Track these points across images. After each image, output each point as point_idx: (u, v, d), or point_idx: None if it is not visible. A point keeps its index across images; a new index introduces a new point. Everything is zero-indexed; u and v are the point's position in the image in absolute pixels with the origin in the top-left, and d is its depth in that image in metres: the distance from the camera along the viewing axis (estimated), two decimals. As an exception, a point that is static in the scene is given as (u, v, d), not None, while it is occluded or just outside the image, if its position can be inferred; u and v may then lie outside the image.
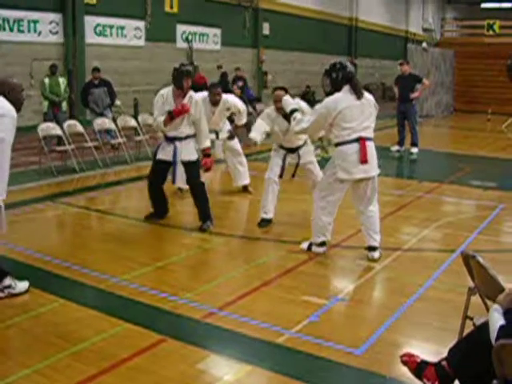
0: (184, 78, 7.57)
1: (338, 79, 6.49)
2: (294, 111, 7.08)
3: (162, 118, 7.54)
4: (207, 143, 7.92)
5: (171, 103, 7.57)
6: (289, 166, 8.06)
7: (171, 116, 7.49)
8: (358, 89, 6.49)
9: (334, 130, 6.45)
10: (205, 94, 9.49)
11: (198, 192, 7.95)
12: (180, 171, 7.95)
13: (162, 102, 7.65)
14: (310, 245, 6.90)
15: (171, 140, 7.78)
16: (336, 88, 6.51)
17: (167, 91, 7.70)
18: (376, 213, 6.73)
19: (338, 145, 6.49)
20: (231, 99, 9.79)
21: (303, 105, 7.71)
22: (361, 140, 6.40)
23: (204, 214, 7.89)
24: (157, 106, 7.67)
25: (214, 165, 8.24)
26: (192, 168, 7.88)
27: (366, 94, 6.60)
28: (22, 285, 5.55)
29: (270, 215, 7.97)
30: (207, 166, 7.92)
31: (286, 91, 7.77)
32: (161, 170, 7.98)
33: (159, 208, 8.19)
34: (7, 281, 5.46)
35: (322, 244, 6.84)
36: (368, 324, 5.10)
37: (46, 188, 10.23)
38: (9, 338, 4.79)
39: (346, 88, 6.46)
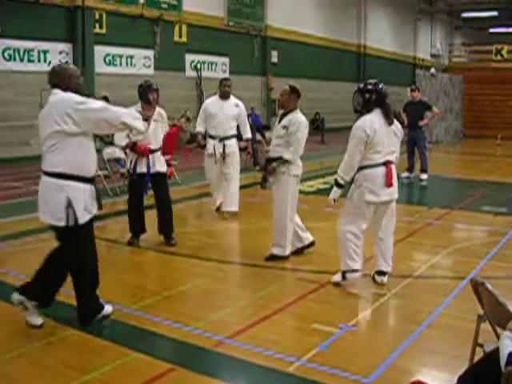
0: (149, 92, 7.89)
1: (370, 100, 6.46)
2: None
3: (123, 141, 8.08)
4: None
5: None
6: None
7: (133, 148, 8.10)
8: (389, 115, 6.47)
9: (366, 152, 6.37)
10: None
11: (167, 206, 8.42)
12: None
13: None
14: (344, 274, 6.65)
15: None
16: (367, 109, 6.48)
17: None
18: (392, 238, 6.75)
19: (364, 168, 6.43)
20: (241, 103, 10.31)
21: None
22: (388, 164, 6.44)
23: (169, 229, 8.39)
24: None
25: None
26: (162, 180, 8.37)
27: (396, 122, 6.61)
28: (107, 308, 5.63)
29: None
30: (171, 175, 8.54)
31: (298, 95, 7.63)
32: (139, 184, 8.26)
33: (136, 226, 8.40)
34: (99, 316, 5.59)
35: (356, 270, 6.63)
36: (378, 352, 5.06)
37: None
38: (19, 366, 4.77)
39: (378, 111, 6.44)
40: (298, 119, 7.47)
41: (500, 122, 28.27)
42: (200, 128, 10.42)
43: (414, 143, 15.00)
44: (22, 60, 17.66)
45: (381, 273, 6.69)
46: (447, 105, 27.33)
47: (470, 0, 39.68)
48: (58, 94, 5.25)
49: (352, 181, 6.57)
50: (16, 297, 5.50)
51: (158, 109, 8.14)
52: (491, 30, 45.92)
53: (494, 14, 41.31)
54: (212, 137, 10.13)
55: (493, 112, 29.21)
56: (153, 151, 8.19)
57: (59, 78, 5.32)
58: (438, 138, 26.40)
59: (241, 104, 10.20)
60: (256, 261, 7.65)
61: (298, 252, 7.88)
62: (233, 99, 10.11)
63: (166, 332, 5.38)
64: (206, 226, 9.85)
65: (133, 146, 8.06)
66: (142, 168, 8.16)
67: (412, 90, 15.57)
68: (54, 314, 5.71)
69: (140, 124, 5.57)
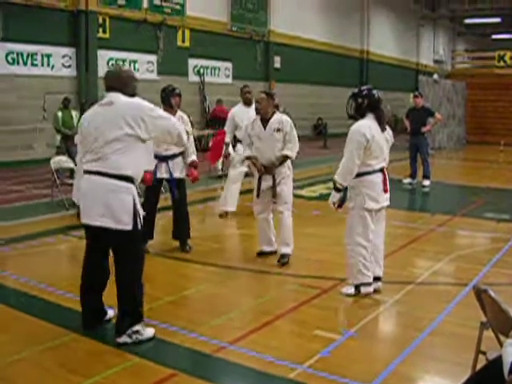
0: (172, 96, 8.06)
1: (362, 105, 6.44)
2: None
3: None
4: (194, 157, 8.29)
5: None
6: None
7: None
8: (383, 121, 6.47)
9: (364, 158, 6.32)
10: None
11: (184, 212, 8.38)
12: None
13: None
14: (357, 287, 6.53)
15: (163, 159, 8.10)
16: (359, 114, 6.47)
17: None
18: (383, 241, 6.74)
19: (363, 174, 6.39)
20: None
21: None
22: (383, 170, 6.47)
23: (186, 235, 8.35)
24: None
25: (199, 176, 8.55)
26: (181, 185, 8.30)
27: (388, 128, 6.60)
28: (149, 331, 5.35)
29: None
30: (193, 177, 8.26)
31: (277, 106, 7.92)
32: (157, 189, 8.19)
33: (146, 231, 8.28)
34: (137, 326, 5.26)
35: (369, 283, 6.53)
36: (380, 358, 5.05)
37: (59, 221, 10.25)
38: (20, 370, 4.75)
39: (371, 116, 6.43)
40: (287, 118, 7.75)
41: (503, 128, 28.27)
42: (227, 139, 10.54)
43: (416, 149, 14.97)
44: (25, 64, 17.67)
45: (376, 279, 6.64)
46: (450, 111, 27.31)
47: (473, 6, 39.67)
48: (120, 98, 5.21)
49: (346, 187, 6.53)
50: (124, 339, 5.22)
51: (179, 112, 8.16)
52: (494, 37, 45.99)
53: (497, 20, 41.33)
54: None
55: (496, 118, 29.20)
56: (173, 156, 8.17)
57: (118, 81, 5.30)
58: (441, 144, 26.38)
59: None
60: (259, 266, 7.64)
61: (263, 254, 8.05)
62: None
63: (167, 337, 5.37)
64: (210, 230, 9.86)
65: None
66: (161, 174, 8.13)
67: (415, 96, 15.55)
68: (55, 318, 5.70)
69: (186, 138, 5.68)
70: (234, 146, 10.69)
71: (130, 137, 5.04)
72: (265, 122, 7.72)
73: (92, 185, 5.12)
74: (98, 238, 5.29)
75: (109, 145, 5.03)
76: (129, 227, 5.08)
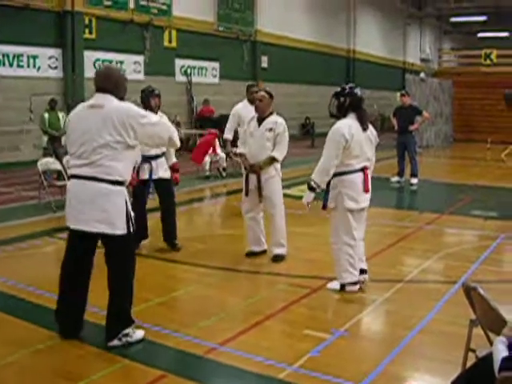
0: (151, 97, 8.07)
1: (344, 104, 6.44)
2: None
3: None
4: (175, 159, 8.40)
5: None
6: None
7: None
8: (364, 120, 6.45)
9: (344, 157, 6.32)
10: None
11: (171, 211, 8.40)
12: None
13: None
14: (343, 286, 6.57)
15: (146, 159, 8.08)
16: (341, 113, 6.47)
17: None
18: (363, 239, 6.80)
19: (342, 174, 6.38)
20: None
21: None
22: (364, 169, 6.43)
23: (173, 234, 8.37)
24: None
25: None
26: (166, 185, 8.32)
27: (371, 127, 6.59)
28: (139, 333, 5.30)
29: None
30: (177, 181, 8.43)
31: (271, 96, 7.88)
32: (140, 191, 8.19)
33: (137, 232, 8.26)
34: (127, 329, 5.20)
35: (355, 282, 6.56)
36: (370, 358, 5.05)
37: (46, 223, 10.19)
38: (8, 374, 4.71)
39: (353, 116, 6.42)
40: (282, 121, 7.75)
41: (490, 126, 28.37)
42: (229, 135, 10.52)
43: (404, 148, 15.00)
44: (11, 65, 17.59)
45: (362, 271, 6.67)
46: (437, 109, 27.39)
47: (459, 5, 39.83)
48: (111, 101, 5.10)
49: (327, 188, 6.53)
50: (115, 343, 5.17)
51: (159, 113, 8.10)
52: (480, 35, 46.13)
53: (483, 18, 41.51)
54: None
55: (483, 116, 29.31)
56: (156, 157, 8.15)
57: (109, 82, 5.18)
58: (429, 143, 26.45)
59: None
60: (248, 267, 7.63)
61: (252, 254, 8.04)
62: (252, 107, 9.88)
63: (157, 339, 5.35)
64: (196, 231, 9.84)
65: None
66: (144, 175, 8.12)
67: (402, 95, 15.59)
68: (43, 321, 5.66)
69: (178, 140, 5.62)
70: (234, 142, 10.55)
71: (118, 143, 4.98)
72: (261, 120, 7.77)
73: (83, 189, 5.05)
74: (87, 241, 5.24)
75: (98, 151, 4.96)
76: (123, 231, 5.07)
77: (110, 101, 5.11)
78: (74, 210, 5.12)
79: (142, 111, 5.24)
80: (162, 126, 5.34)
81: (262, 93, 7.84)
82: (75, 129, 5.14)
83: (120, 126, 4.97)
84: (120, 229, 5.06)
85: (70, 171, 5.18)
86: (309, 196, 6.50)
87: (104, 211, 4.99)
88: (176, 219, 8.47)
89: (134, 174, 7.72)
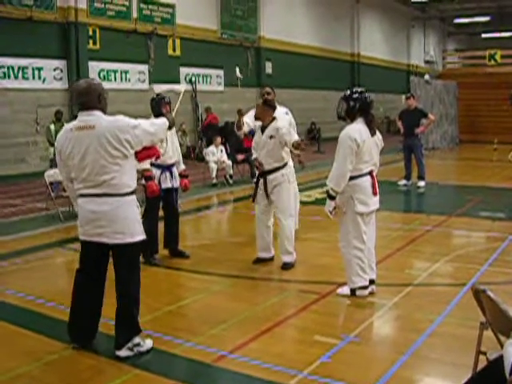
0: (162, 105, 8.08)
1: (354, 108, 6.43)
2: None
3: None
4: (183, 166, 8.55)
5: None
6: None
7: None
8: (372, 126, 6.46)
9: (355, 162, 6.31)
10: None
11: (175, 219, 8.46)
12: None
13: None
14: (353, 291, 6.57)
15: (167, 168, 8.16)
16: (350, 117, 6.47)
17: None
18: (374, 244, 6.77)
19: (352, 178, 6.35)
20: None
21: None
22: (371, 172, 6.46)
23: (177, 240, 8.44)
24: None
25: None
26: (176, 194, 8.38)
27: (377, 132, 6.60)
28: (148, 342, 5.32)
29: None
30: (187, 187, 8.50)
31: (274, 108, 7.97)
32: (164, 200, 8.27)
33: (156, 243, 8.31)
34: (137, 339, 5.21)
35: (365, 286, 6.56)
36: (381, 362, 5.04)
37: (55, 234, 10.22)
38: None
39: (361, 120, 6.42)
40: (283, 124, 7.94)
41: (496, 126, 28.29)
42: (246, 128, 10.55)
43: (410, 151, 14.96)
44: (16, 78, 17.64)
45: (370, 282, 6.64)
46: (442, 111, 27.34)
47: (462, 6, 39.82)
48: (100, 119, 5.03)
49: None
50: (124, 353, 5.17)
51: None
52: (484, 36, 46.12)
53: (486, 19, 41.50)
54: None
55: (488, 117, 29.23)
56: (173, 165, 8.26)
57: (92, 97, 5.07)
58: (435, 145, 26.41)
59: (289, 112, 9.94)
60: (256, 273, 7.63)
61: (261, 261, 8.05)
62: (280, 108, 9.33)
63: (166, 348, 5.35)
64: (204, 239, 9.83)
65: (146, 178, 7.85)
66: (166, 183, 8.14)
67: (407, 98, 15.55)
68: (53, 333, 5.68)
69: (165, 130, 5.59)
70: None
71: (119, 158, 5.01)
72: (263, 129, 7.84)
73: (96, 204, 5.05)
74: (101, 252, 5.27)
75: (102, 171, 4.97)
76: (142, 236, 5.23)
77: (98, 118, 5.03)
78: (89, 225, 5.11)
79: (132, 121, 5.16)
80: (153, 127, 5.30)
81: (259, 101, 7.95)
82: (71, 153, 5.04)
83: (116, 142, 4.96)
84: (139, 235, 5.19)
85: (78, 192, 5.15)
86: (330, 205, 6.48)
87: (122, 222, 5.06)
88: (178, 226, 8.52)
89: (157, 185, 7.75)
